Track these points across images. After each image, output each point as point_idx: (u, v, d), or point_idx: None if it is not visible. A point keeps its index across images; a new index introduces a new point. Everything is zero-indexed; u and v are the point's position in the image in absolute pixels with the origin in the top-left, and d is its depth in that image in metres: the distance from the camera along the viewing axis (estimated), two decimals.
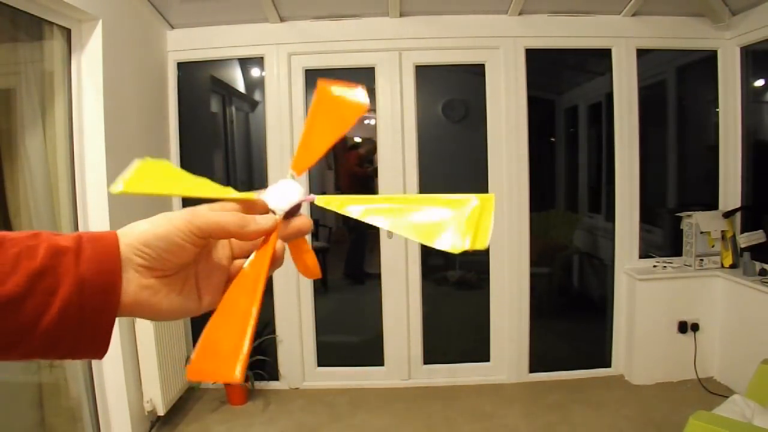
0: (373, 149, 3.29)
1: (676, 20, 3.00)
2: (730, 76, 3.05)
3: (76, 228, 2.33)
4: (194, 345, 2.16)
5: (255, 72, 3.31)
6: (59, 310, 0.35)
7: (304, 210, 0.44)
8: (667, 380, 3.01)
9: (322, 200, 0.43)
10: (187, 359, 2.92)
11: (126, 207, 2.45)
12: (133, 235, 0.39)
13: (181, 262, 0.40)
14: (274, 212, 0.43)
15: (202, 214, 0.40)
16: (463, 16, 2.97)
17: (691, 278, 3.00)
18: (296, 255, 0.44)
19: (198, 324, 3.13)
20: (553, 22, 2.99)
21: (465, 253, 0.39)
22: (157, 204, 2.85)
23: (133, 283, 0.38)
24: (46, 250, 0.36)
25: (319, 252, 3.69)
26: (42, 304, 0.35)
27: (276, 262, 0.43)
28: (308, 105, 3.11)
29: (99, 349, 0.38)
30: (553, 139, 3.55)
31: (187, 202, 0.40)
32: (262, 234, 0.41)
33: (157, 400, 2.56)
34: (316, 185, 3.17)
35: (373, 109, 3.12)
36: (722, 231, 3.00)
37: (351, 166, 3.65)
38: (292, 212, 0.43)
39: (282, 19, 2.96)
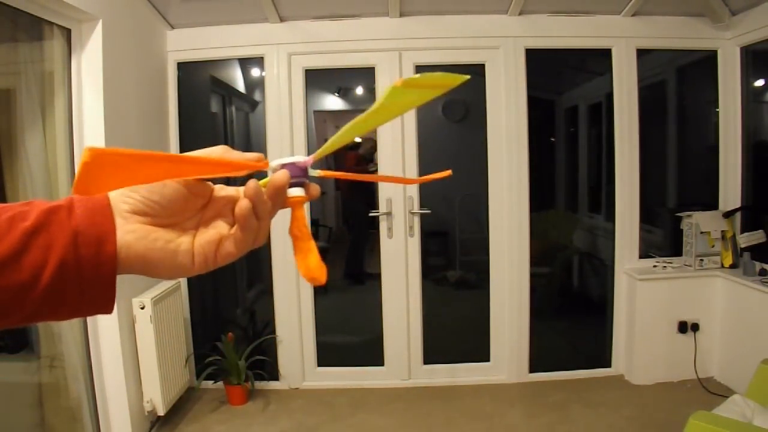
0: (373, 149, 3.29)
1: (676, 20, 3.00)
2: (730, 76, 3.05)
3: None
4: (194, 344, 2.11)
5: (255, 72, 3.31)
6: (57, 264, 0.35)
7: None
8: (667, 380, 3.01)
9: (317, 155, 0.43)
10: (187, 359, 2.93)
11: None
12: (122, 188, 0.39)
13: (172, 207, 0.40)
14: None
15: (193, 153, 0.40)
16: (463, 16, 2.97)
17: (691, 278, 3.00)
18: (299, 253, 0.43)
19: (197, 326, 3.13)
20: (553, 22, 2.99)
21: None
22: None
23: (120, 229, 0.38)
24: (39, 211, 0.37)
25: (319, 252, 3.68)
26: (39, 259, 0.35)
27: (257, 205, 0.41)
28: (308, 105, 3.13)
29: (105, 303, 0.39)
30: (553, 139, 3.55)
31: None
32: (245, 165, 0.40)
33: (157, 400, 2.56)
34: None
35: None
36: (722, 231, 3.00)
37: (350, 166, 3.65)
38: (302, 182, 0.43)
39: (282, 19, 2.97)
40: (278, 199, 0.42)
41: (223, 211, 0.44)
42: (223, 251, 0.42)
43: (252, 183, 0.40)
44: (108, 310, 0.40)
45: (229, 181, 0.44)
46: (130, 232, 0.38)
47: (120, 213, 0.39)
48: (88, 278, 0.37)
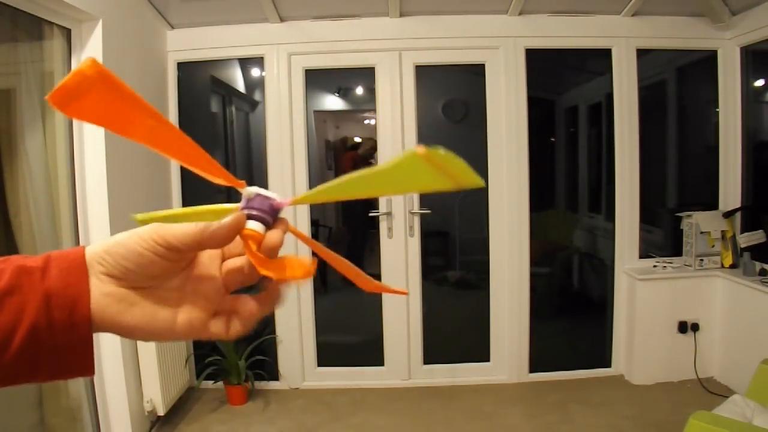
0: (373, 149, 3.29)
1: (676, 20, 3.00)
2: (730, 76, 3.05)
3: (76, 228, 2.33)
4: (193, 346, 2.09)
5: (255, 72, 3.31)
6: (28, 327, 0.34)
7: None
8: (667, 380, 3.01)
9: (297, 199, 0.40)
10: (187, 359, 2.93)
11: (125, 207, 2.45)
12: (100, 245, 0.38)
13: (147, 273, 0.38)
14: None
15: (167, 225, 0.38)
16: (463, 16, 2.97)
17: (691, 278, 3.00)
18: (278, 272, 0.40)
19: None
20: (553, 22, 2.99)
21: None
22: (156, 198, 2.85)
23: (95, 291, 0.37)
24: (13, 271, 0.36)
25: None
26: (10, 322, 0.34)
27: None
28: (308, 105, 3.13)
29: (83, 366, 0.38)
30: (553, 139, 3.55)
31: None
32: (228, 232, 0.38)
33: (157, 400, 2.56)
34: (315, 186, 3.17)
35: (373, 109, 3.12)
36: (722, 231, 3.00)
37: (348, 167, 3.65)
38: (265, 219, 0.39)
39: (282, 19, 2.97)
40: (227, 240, 0.39)
41: (210, 270, 0.42)
42: (213, 331, 0.41)
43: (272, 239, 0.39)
44: (87, 372, 0.38)
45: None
46: (106, 295, 0.37)
47: (96, 274, 0.37)
48: (62, 342, 0.36)
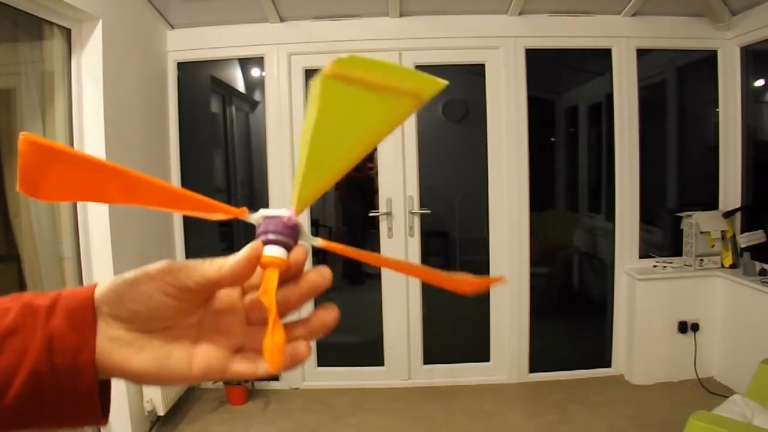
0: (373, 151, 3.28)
1: (676, 20, 3.00)
2: (730, 76, 3.05)
3: (76, 228, 2.33)
4: None
5: (255, 72, 3.32)
6: (29, 371, 0.33)
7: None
8: (667, 380, 3.01)
9: (320, 242, 0.37)
10: None
11: (125, 207, 2.44)
12: (109, 284, 0.35)
13: (158, 316, 0.35)
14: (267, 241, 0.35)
15: (180, 262, 0.35)
16: (463, 16, 2.97)
17: (691, 278, 3.00)
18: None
19: None
20: (553, 22, 2.99)
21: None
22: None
23: (102, 334, 0.35)
24: (19, 310, 0.34)
25: (319, 252, 3.69)
26: (12, 364, 0.33)
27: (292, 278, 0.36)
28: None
29: (90, 414, 0.35)
30: (553, 139, 3.55)
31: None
32: (246, 265, 0.34)
33: (157, 400, 2.56)
34: None
35: None
36: (722, 231, 3.00)
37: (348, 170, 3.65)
38: (284, 242, 0.35)
39: (282, 19, 2.97)
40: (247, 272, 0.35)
41: (231, 305, 0.38)
42: (235, 370, 0.37)
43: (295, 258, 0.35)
44: (98, 420, 0.36)
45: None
46: (114, 340, 0.35)
47: (103, 316, 0.35)
48: (66, 388, 0.34)
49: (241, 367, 0.37)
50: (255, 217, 0.36)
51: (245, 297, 0.39)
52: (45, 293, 0.36)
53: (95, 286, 0.36)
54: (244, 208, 0.36)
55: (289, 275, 0.36)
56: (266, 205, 3.03)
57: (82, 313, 0.34)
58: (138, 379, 0.36)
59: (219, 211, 0.36)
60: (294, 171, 0.36)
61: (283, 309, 0.37)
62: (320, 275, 0.37)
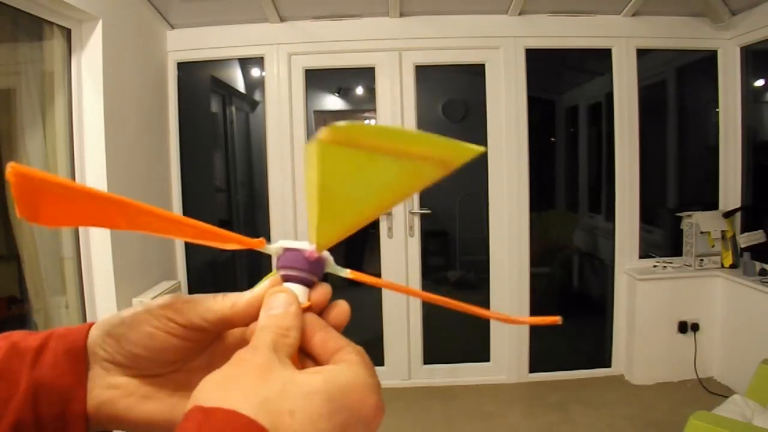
0: None
1: (676, 20, 3.00)
2: (730, 76, 3.05)
3: (76, 228, 2.32)
4: None
5: (255, 72, 3.32)
6: (12, 423, 0.29)
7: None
8: (667, 380, 3.01)
9: (349, 274, 0.34)
10: None
11: None
12: (104, 325, 0.31)
13: (162, 359, 0.31)
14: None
15: (186, 298, 0.31)
16: (463, 16, 2.97)
17: (691, 278, 3.00)
18: None
19: None
20: (553, 22, 2.99)
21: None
22: (155, 198, 2.85)
23: (98, 383, 0.30)
24: (5, 351, 0.30)
25: None
26: None
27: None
28: (308, 105, 3.13)
29: None
30: (553, 139, 3.55)
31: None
32: (237, 239, 0.31)
33: None
34: None
35: (373, 109, 3.12)
36: (722, 231, 3.00)
37: None
38: (305, 279, 0.32)
39: (282, 19, 2.96)
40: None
41: (243, 341, 0.34)
42: None
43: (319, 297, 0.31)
44: None
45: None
46: (112, 388, 0.31)
47: (99, 362, 0.31)
48: None
49: None
50: (274, 248, 0.32)
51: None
52: (36, 333, 0.32)
53: (91, 325, 0.32)
54: (262, 239, 0.32)
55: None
56: (267, 206, 3.04)
57: (73, 357, 0.30)
58: (142, 430, 0.31)
59: (233, 242, 0.32)
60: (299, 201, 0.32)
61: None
62: (342, 312, 0.33)
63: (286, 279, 0.31)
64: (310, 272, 0.31)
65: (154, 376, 0.31)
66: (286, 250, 0.32)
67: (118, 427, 0.31)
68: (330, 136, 0.25)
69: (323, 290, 0.32)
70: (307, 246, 0.32)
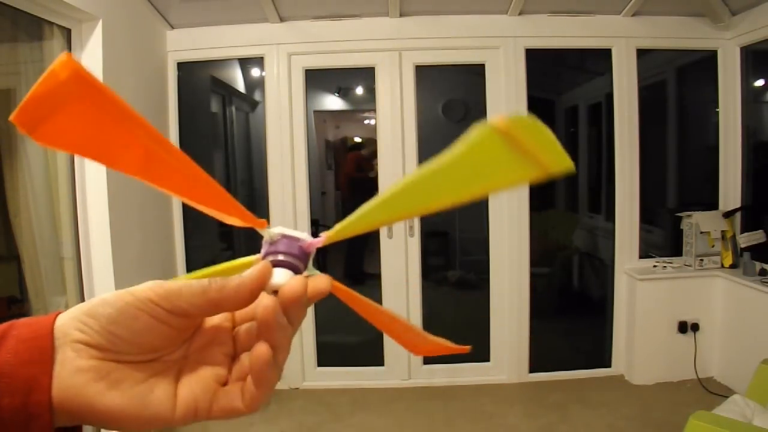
0: (375, 152, 3.29)
1: (676, 20, 3.00)
2: (730, 76, 3.05)
3: (76, 228, 2.33)
4: None
5: (255, 72, 3.32)
6: None
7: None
8: (667, 380, 3.01)
9: (332, 234, 0.33)
10: None
11: (126, 206, 2.45)
12: (80, 308, 0.30)
13: (142, 343, 0.30)
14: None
15: (171, 282, 0.30)
16: (463, 16, 2.97)
17: (691, 278, 3.00)
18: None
19: None
20: (553, 22, 2.99)
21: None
22: (155, 198, 2.86)
23: (66, 367, 0.28)
24: None
25: (319, 252, 3.68)
26: None
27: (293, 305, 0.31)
28: (308, 105, 3.13)
29: None
30: None
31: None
32: (252, 287, 0.30)
33: None
34: (315, 186, 3.17)
35: (373, 109, 3.12)
36: (722, 231, 3.00)
37: (351, 170, 3.64)
38: (295, 266, 0.32)
39: (282, 19, 2.96)
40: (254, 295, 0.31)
41: (220, 337, 0.34)
42: (223, 404, 0.32)
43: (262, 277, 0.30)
44: None
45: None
46: (83, 371, 0.29)
47: (70, 343, 0.29)
48: None
49: (228, 398, 0.32)
50: (271, 233, 0.32)
51: (238, 327, 0.34)
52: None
53: (56, 314, 0.30)
54: (264, 221, 0.32)
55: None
56: (267, 206, 3.04)
57: (37, 343, 0.28)
58: (111, 421, 0.29)
59: (237, 215, 0.32)
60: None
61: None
62: (323, 282, 0.33)
63: (276, 265, 0.31)
64: (301, 260, 0.32)
65: (130, 362, 0.30)
66: (284, 236, 0.32)
67: (85, 417, 0.29)
68: (506, 126, 0.24)
69: (324, 279, 0.32)
70: (306, 237, 0.32)
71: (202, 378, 0.32)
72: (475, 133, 0.24)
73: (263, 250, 0.32)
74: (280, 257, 0.31)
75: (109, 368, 0.29)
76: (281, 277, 0.31)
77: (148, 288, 0.30)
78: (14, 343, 0.28)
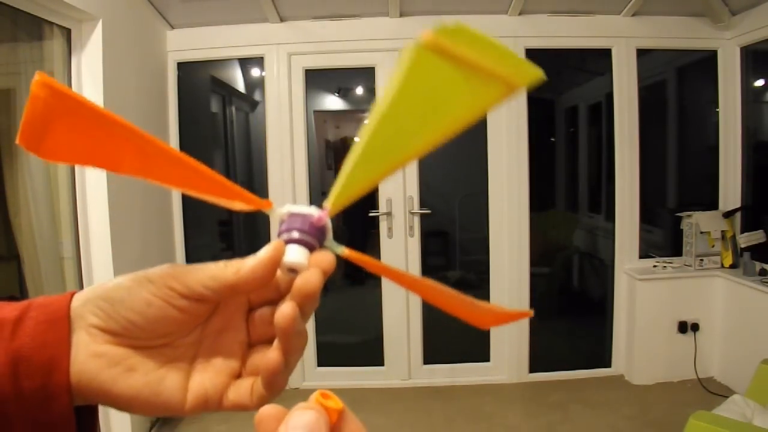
0: None
1: (676, 20, 3.00)
2: (730, 76, 3.05)
3: (76, 228, 2.33)
4: None
5: (255, 72, 3.32)
6: None
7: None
8: (667, 380, 3.01)
9: (331, 202, 0.32)
10: None
11: (126, 206, 2.45)
12: (96, 290, 0.30)
13: (157, 329, 0.30)
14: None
15: (187, 267, 0.30)
16: (463, 16, 2.97)
17: (691, 278, 3.00)
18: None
19: None
20: (553, 22, 2.99)
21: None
22: (155, 198, 2.86)
23: (82, 350, 0.29)
24: None
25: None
26: None
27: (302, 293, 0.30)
28: (308, 105, 3.13)
29: None
30: (553, 139, 3.55)
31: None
32: (268, 266, 0.30)
33: None
34: (315, 186, 3.17)
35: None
36: (722, 231, 3.00)
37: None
38: (309, 243, 0.31)
39: (282, 19, 2.97)
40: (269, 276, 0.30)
41: (234, 322, 0.33)
42: (233, 399, 0.33)
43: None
44: None
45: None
46: (97, 357, 0.29)
47: (86, 327, 0.29)
48: (36, 417, 0.28)
49: (238, 392, 0.33)
50: (280, 213, 0.32)
51: (255, 312, 0.34)
52: (14, 303, 0.30)
53: (73, 293, 0.31)
54: (269, 201, 0.32)
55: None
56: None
57: (55, 325, 0.29)
58: (125, 405, 0.30)
59: (241, 200, 0.31)
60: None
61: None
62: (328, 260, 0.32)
63: (288, 242, 0.31)
64: (314, 237, 0.31)
65: (143, 348, 0.30)
66: (292, 214, 0.31)
67: (98, 399, 0.30)
68: (434, 39, 0.22)
69: (328, 257, 0.31)
70: (314, 211, 0.31)
71: (215, 371, 0.32)
72: (405, 54, 0.23)
73: (278, 229, 0.32)
74: (294, 234, 0.31)
75: (122, 354, 0.30)
76: (294, 254, 0.30)
77: (164, 272, 0.30)
78: (32, 324, 0.29)
